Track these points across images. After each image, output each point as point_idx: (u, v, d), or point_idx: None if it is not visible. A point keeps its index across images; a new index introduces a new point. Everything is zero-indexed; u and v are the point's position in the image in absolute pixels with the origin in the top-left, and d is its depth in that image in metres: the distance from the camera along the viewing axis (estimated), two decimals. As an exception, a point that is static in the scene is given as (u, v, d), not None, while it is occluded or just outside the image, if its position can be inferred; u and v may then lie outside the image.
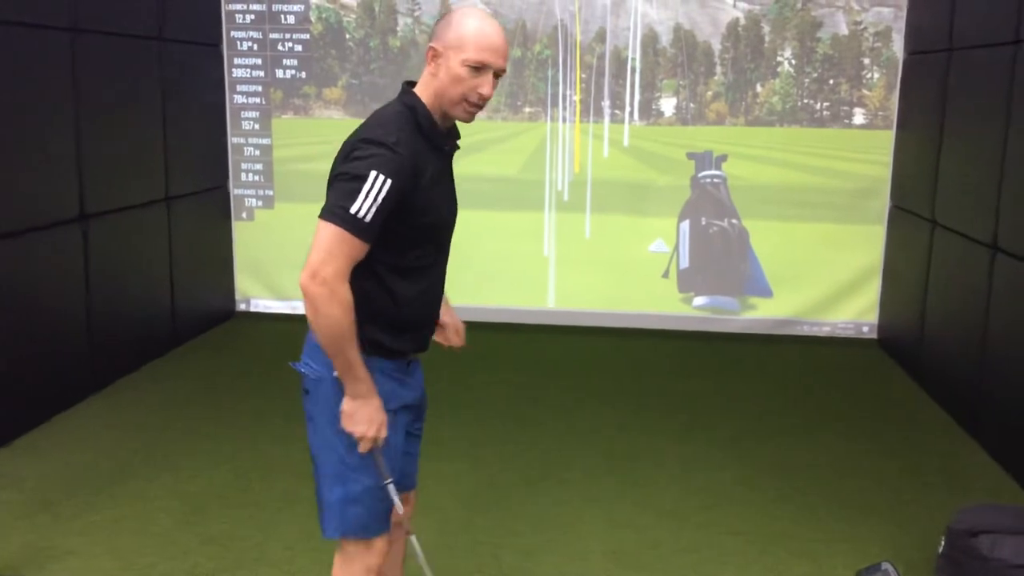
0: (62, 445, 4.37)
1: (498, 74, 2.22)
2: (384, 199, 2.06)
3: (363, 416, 2.18)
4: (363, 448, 2.21)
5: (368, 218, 2.05)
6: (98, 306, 5.02)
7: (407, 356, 2.34)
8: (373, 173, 2.05)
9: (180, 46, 5.84)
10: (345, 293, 2.07)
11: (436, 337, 2.53)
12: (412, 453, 2.52)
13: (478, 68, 2.17)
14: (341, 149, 2.20)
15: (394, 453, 2.32)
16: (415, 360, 2.42)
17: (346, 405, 2.19)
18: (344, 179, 2.08)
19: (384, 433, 2.22)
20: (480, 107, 2.23)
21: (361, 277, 2.15)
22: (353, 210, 2.04)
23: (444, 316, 2.54)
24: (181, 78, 5.88)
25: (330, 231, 2.05)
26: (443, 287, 2.43)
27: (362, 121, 2.28)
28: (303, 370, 2.30)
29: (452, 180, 2.38)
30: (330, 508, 2.30)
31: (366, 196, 2.05)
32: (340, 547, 2.38)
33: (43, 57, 4.57)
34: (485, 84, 2.19)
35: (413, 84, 2.29)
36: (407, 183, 2.11)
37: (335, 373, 2.20)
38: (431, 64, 2.22)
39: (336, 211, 2.05)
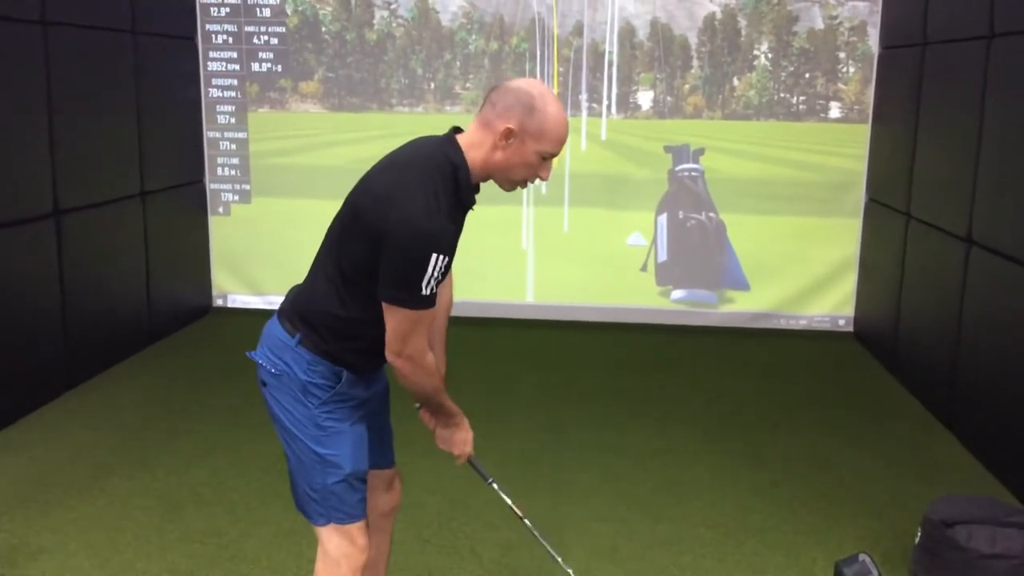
0: (37, 442, 4.33)
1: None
2: (443, 270, 2.13)
3: (457, 440, 2.49)
4: (460, 463, 2.54)
5: (432, 290, 2.12)
6: (73, 303, 4.98)
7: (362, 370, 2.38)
8: (433, 256, 2.08)
9: (154, 39, 5.79)
10: (429, 361, 2.24)
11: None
12: (386, 429, 2.61)
13: (547, 158, 2.24)
14: (374, 186, 2.19)
15: (361, 442, 2.38)
16: None
17: (442, 432, 2.48)
18: (406, 265, 2.09)
19: (470, 449, 2.52)
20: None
21: (362, 310, 2.23)
22: (423, 292, 2.11)
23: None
24: (155, 72, 5.82)
25: (405, 315, 2.14)
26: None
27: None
28: (262, 361, 2.36)
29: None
30: (313, 498, 2.35)
31: (430, 277, 2.10)
32: (324, 550, 2.39)
33: (14, 50, 4.51)
34: (547, 169, 2.27)
35: (459, 131, 2.27)
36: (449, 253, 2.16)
37: (317, 379, 2.30)
38: (500, 140, 2.19)
39: (406, 298, 2.12)
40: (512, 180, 2.27)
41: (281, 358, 2.33)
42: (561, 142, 2.24)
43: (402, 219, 2.08)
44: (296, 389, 2.32)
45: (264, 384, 2.38)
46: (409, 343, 2.17)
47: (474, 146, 2.23)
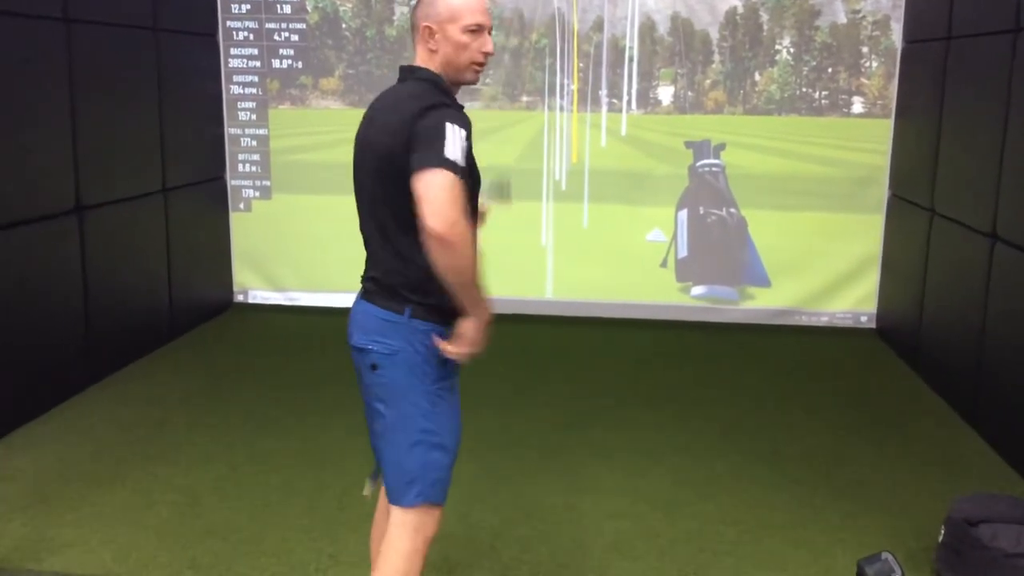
0: (59, 438, 4.37)
1: (489, 30, 2.39)
2: (466, 143, 2.21)
3: (479, 338, 2.33)
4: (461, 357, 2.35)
5: (460, 160, 2.17)
6: (95, 298, 5.01)
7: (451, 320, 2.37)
8: (447, 124, 2.17)
9: (175, 36, 5.81)
10: (467, 230, 2.18)
11: None
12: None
13: (476, 30, 2.34)
14: (382, 125, 2.29)
15: (457, 423, 2.44)
16: None
17: (470, 330, 2.31)
18: (427, 138, 2.17)
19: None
20: (484, 65, 2.40)
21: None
22: (446, 155, 2.15)
23: None
24: (177, 68, 5.85)
25: (440, 179, 2.13)
26: None
27: (358, 111, 2.35)
28: (373, 347, 2.34)
29: None
30: (413, 476, 2.36)
31: (451, 144, 2.16)
32: (403, 522, 2.39)
33: (38, 48, 4.55)
34: (487, 42, 2.37)
35: (411, 68, 2.40)
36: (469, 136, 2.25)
37: (425, 343, 2.32)
38: (428, 42, 2.34)
39: (439, 161, 2.14)
40: (462, 68, 2.36)
41: (392, 339, 2.33)
42: (476, 11, 2.34)
43: (423, 109, 2.21)
44: (411, 365, 2.33)
45: (374, 367, 2.36)
46: (454, 210, 2.12)
47: (424, 62, 2.38)
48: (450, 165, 2.13)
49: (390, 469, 2.40)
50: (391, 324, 2.33)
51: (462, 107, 2.35)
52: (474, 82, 2.41)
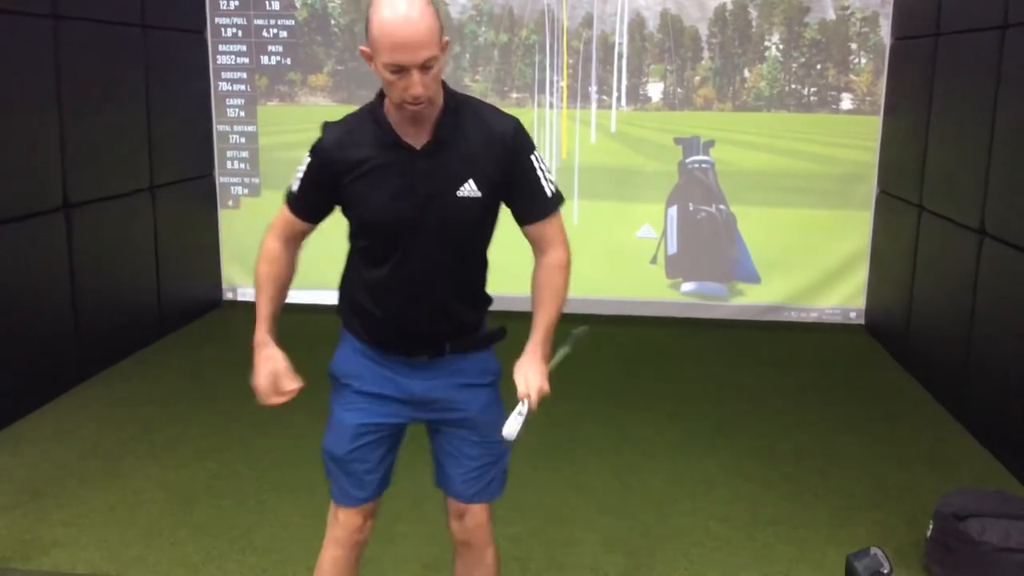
0: (48, 436, 4.35)
1: (424, 65, 1.94)
2: (304, 175, 2.27)
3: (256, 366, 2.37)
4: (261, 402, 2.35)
5: (294, 188, 2.31)
6: (83, 296, 4.99)
7: (377, 349, 2.36)
8: (307, 157, 2.27)
9: (163, 33, 5.79)
10: (268, 245, 2.40)
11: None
12: (457, 459, 2.51)
13: (397, 71, 1.94)
14: None
15: (341, 430, 2.45)
16: (415, 361, 2.39)
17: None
18: None
19: (285, 388, 2.38)
20: (419, 104, 1.99)
21: (349, 257, 2.37)
22: (291, 187, 2.32)
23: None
24: (165, 65, 5.83)
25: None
26: (420, 299, 2.30)
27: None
28: None
29: (430, 184, 2.13)
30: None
31: (300, 176, 2.29)
32: None
33: (25, 44, 4.52)
34: (411, 85, 1.94)
35: None
36: (328, 166, 2.20)
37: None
38: (369, 64, 2.03)
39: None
40: (397, 104, 2.02)
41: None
42: (393, 49, 1.90)
43: None
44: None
45: None
46: (269, 230, 2.41)
47: None
48: (286, 194, 2.33)
49: None
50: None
51: (394, 141, 2.10)
52: (416, 114, 2.04)
